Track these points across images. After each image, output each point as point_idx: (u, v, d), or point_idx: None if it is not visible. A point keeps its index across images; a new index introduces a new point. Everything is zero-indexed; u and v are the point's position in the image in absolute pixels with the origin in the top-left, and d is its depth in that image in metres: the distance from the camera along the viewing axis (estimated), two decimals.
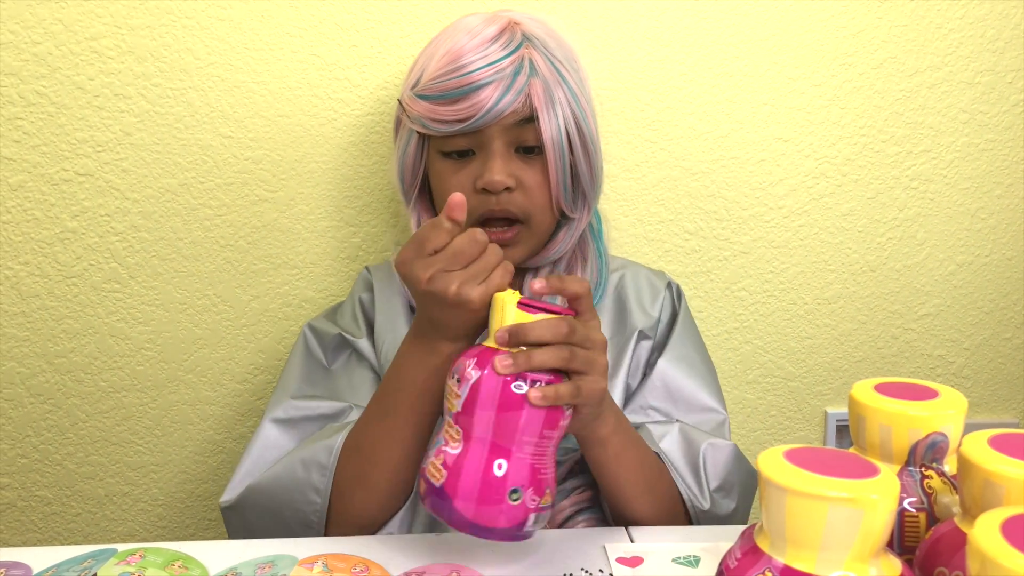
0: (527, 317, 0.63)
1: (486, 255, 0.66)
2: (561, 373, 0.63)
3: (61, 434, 1.05)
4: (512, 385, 0.61)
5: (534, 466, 0.63)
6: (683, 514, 0.79)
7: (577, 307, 0.67)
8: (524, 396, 0.61)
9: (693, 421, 0.85)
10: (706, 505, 0.78)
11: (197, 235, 1.03)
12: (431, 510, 0.64)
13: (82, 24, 0.96)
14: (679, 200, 1.09)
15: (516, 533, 0.62)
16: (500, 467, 0.61)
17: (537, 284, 0.65)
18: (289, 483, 0.77)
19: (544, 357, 0.62)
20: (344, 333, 0.89)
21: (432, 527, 0.79)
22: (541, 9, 1.02)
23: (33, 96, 0.97)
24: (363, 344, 0.88)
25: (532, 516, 0.63)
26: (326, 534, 0.77)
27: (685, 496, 0.78)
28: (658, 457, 0.79)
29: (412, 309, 0.89)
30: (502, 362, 0.62)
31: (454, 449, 0.63)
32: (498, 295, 0.65)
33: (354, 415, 0.82)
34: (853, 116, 1.09)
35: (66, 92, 0.97)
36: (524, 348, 0.63)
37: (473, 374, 0.62)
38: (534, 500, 0.62)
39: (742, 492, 0.83)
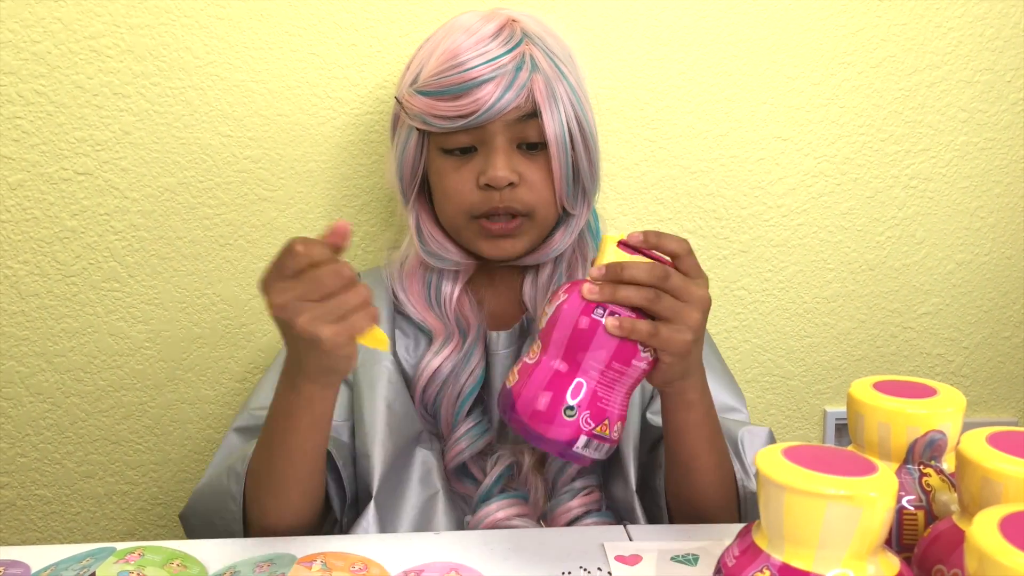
0: (625, 257, 0.66)
1: (348, 293, 0.62)
2: (649, 317, 0.65)
3: (60, 433, 1.05)
4: (593, 311, 0.64)
5: (596, 392, 0.65)
6: (735, 498, 0.79)
7: (679, 266, 0.67)
8: (600, 322, 0.64)
9: None
10: (754, 485, 0.78)
11: (196, 234, 1.02)
12: (501, 412, 0.68)
13: (81, 23, 0.96)
14: (678, 199, 1.09)
15: (565, 449, 0.65)
16: (561, 380, 0.65)
17: (634, 238, 0.67)
18: (218, 489, 0.78)
19: (628, 293, 0.64)
20: None
21: (421, 526, 0.79)
22: (540, 8, 1.02)
23: (32, 95, 0.97)
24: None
25: (583, 438, 0.64)
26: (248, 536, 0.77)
27: (738, 476, 0.78)
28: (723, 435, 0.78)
29: (399, 314, 0.88)
30: (589, 288, 0.64)
31: (531, 359, 0.67)
32: (605, 235, 0.67)
33: None
34: (852, 115, 1.09)
35: (65, 91, 0.97)
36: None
37: (561, 296, 0.66)
38: (588, 424, 0.64)
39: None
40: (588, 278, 0.66)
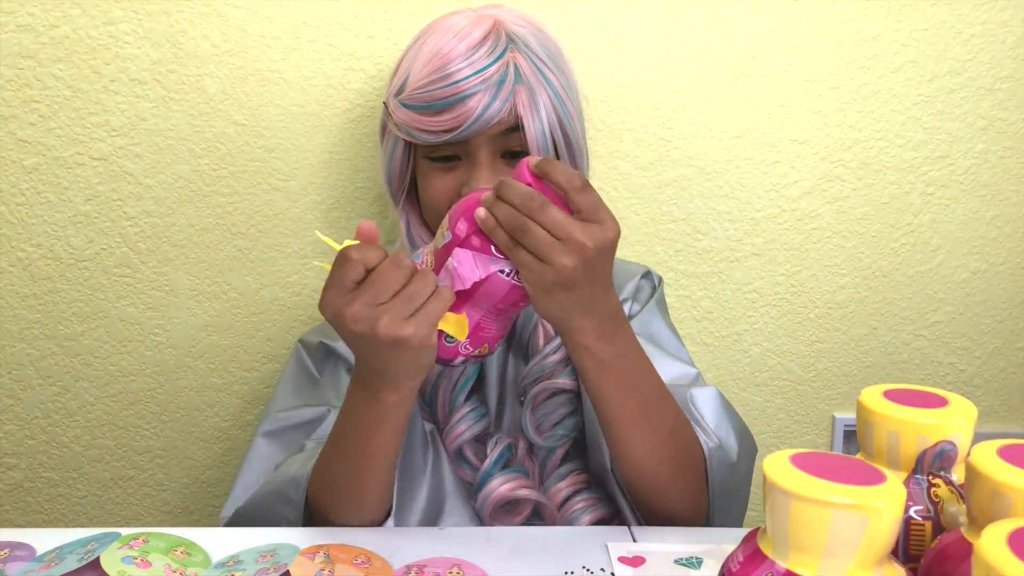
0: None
1: (414, 282, 0.61)
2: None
3: (69, 416, 1.06)
4: (489, 257, 0.64)
5: (481, 324, 0.67)
6: (692, 457, 0.75)
7: (571, 203, 0.63)
8: (474, 257, 0.64)
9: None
10: (713, 441, 0.76)
11: (209, 222, 1.03)
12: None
13: (100, 9, 0.96)
14: (692, 200, 1.08)
15: (446, 362, 0.68)
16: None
17: (532, 160, 0.64)
18: (267, 514, 0.77)
19: (501, 212, 0.62)
20: (325, 340, 0.89)
21: (430, 520, 0.79)
22: (555, 7, 1.02)
23: (50, 79, 0.97)
24: (343, 346, 0.87)
25: (461, 357, 0.68)
26: None
27: (700, 438, 0.75)
28: (666, 390, 0.74)
29: None
30: (478, 213, 0.64)
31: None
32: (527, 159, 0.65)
33: (332, 417, 0.82)
34: (870, 120, 1.08)
35: (82, 76, 0.97)
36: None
37: (448, 235, 0.66)
38: (467, 348, 0.67)
39: (739, 434, 0.80)
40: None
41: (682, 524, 0.76)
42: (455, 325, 0.66)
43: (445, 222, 0.67)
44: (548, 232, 0.61)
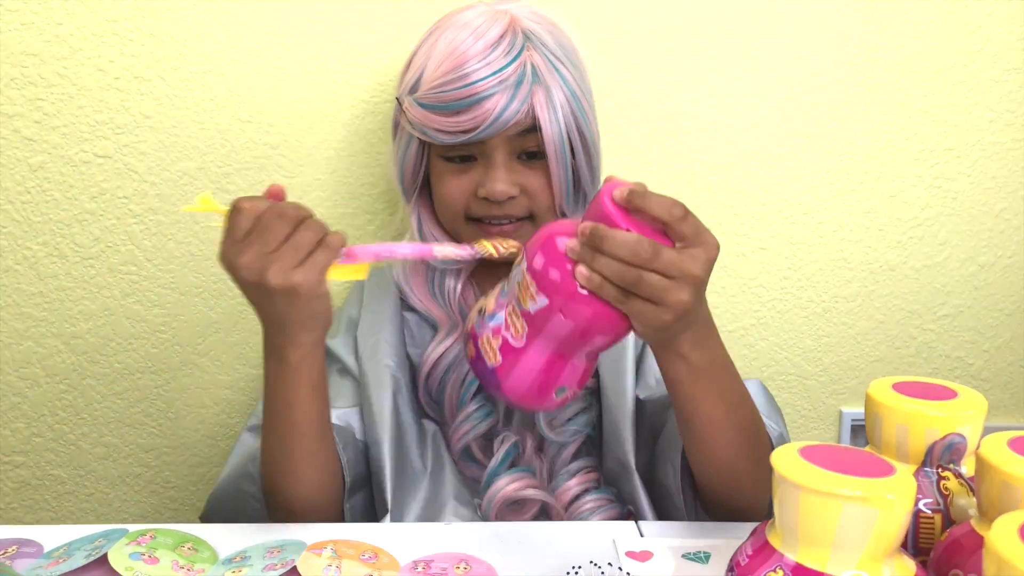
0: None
1: (300, 231, 0.61)
2: None
3: (76, 414, 1.06)
4: (580, 287, 0.61)
5: (586, 369, 0.66)
6: (765, 448, 0.73)
7: (671, 234, 0.60)
8: (581, 293, 0.60)
9: None
10: (775, 431, 0.77)
11: (214, 219, 1.03)
12: (475, 373, 0.68)
13: (104, 6, 0.96)
14: (698, 194, 1.08)
15: (546, 412, 0.69)
16: (555, 373, 0.65)
17: (619, 194, 0.59)
18: (235, 494, 0.79)
19: (606, 267, 0.58)
20: None
21: (430, 515, 0.79)
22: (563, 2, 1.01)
23: (54, 77, 0.97)
24: (334, 343, 0.88)
25: (565, 402, 0.68)
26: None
27: (772, 433, 0.75)
28: (744, 387, 0.73)
29: (405, 307, 0.89)
30: (570, 246, 0.60)
31: (516, 341, 0.64)
32: (608, 177, 0.61)
33: None
34: (876, 112, 1.08)
35: (87, 73, 0.97)
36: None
37: (540, 260, 0.62)
38: (574, 392, 0.67)
39: (785, 424, 0.83)
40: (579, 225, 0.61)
41: (753, 518, 0.74)
42: (346, 271, 0.64)
43: (520, 255, 0.65)
44: (662, 275, 0.59)
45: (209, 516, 0.82)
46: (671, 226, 0.59)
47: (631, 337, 0.84)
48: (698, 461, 0.73)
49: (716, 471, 0.73)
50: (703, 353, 0.66)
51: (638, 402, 0.84)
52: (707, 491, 0.76)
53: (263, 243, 0.61)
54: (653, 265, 0.58)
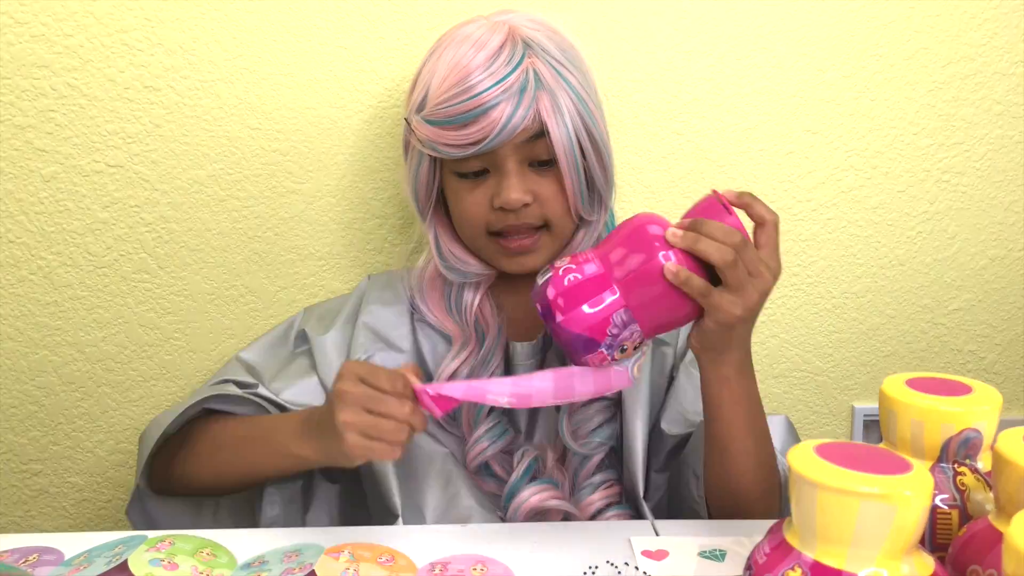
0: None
1: (391, 424, 0.66)
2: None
3: (92, 422, 1.07)
4: (659, 252, 0.66)
5: (638, 326, 0.66)
6: (776, 490, 0.78)
7: (758, 235, 0.69)
8: (661, 263, 0.65)
9: None
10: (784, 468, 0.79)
11: (225, 226, 1.03)
12: (537, 301, 0.68)
13: (113, 17, 0.97)
14: (706, 192, 1.08)
15: (583, 358, 0.67)
16: (606, 312, 0.66)
17: (728, 193, 0.69)
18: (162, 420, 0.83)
19: (707, 247, 0.64)
20: (306, 329, 0.92)
21: (421, 518, 0.79)
22: (567, 4, 1.01)
23: (65, 88, 0.98)
24: (318, 341, 0.89)
25: (614, 358, 0.68)
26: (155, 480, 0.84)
27: (779, 465, 0.78)
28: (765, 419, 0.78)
29: (417, 318, 0.90)
30: (672, 232, 0.66)
31: (581, 273, 0.67)
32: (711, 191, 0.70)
33: (262, 389, 0.86)
34: (884, 108, 1.08)
35: (97, 84, 0.98)
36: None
37: (640, 219, 0.69)
38: (616, 353, 0.67)
39: None
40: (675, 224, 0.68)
41: None
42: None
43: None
44: (746, 268, 0.66)
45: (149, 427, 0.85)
46: (764, 228, 0.69)
47: (648, 370, 0.87)
48: (720, 480, 0.76)
49: (733, 485, 0.76)
50: (743, 381, 0.73)
51: (657, 431, 0.85)
52: (720, 510, 0.78)
53: (367, 400, 0.66)
54: (741, 254, 0.65)
